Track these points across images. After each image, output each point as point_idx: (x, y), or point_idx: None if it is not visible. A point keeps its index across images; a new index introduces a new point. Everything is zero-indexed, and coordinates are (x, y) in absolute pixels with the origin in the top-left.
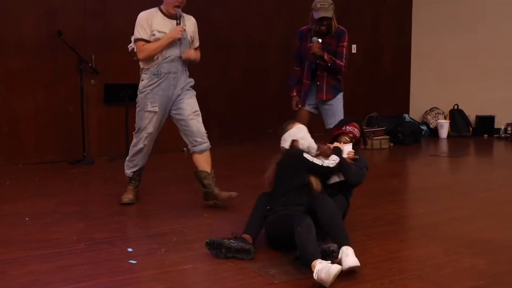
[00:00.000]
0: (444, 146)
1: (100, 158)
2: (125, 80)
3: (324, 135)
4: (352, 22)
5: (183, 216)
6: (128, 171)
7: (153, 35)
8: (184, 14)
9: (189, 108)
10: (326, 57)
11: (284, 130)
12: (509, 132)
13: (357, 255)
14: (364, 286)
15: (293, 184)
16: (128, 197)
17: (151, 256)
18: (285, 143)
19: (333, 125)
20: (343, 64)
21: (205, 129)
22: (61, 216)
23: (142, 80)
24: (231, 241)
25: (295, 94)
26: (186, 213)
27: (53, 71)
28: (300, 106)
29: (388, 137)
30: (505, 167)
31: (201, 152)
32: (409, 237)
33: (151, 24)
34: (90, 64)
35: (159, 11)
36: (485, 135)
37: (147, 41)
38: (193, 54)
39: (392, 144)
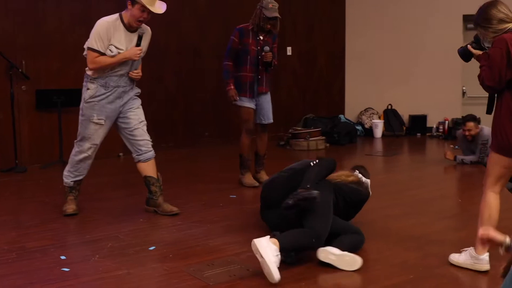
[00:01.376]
0: (378, 145)
1: (33, 165)
2: (57, 86)
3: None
4: (287, 25)
5: (119, 222)
6: (69, 181)
7: (110, 50)
8: (144, 26)
9: (136, 118)
10: (274, 62)
11: None
12: (441, 130)
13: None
14: (300, 285)
15: None
16: (71, 207)
17: (85, 263)
18: None
19: (270, 120)
20: (277, 63)
21: None
22: None
23: (88, 89)
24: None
25: (232, 87)
26: (122, 218)
27: None
28: (237, 98)
29: (324, 137)
30: (436, 165)
31: (146, 160)
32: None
33: (110, 38)
34: (20, 70)
35: (120, 23)
36: (418, 134)
37: (102, 54)
38: (137, 76)
39: (328, 145)
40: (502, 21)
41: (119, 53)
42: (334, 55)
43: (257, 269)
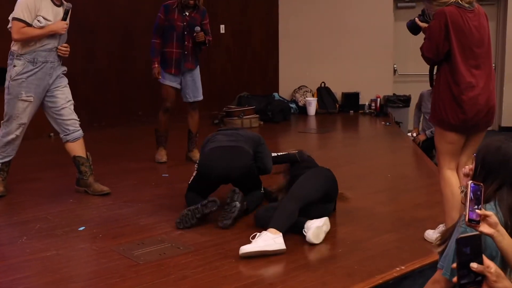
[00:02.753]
0: (312, 122)
1: None
2: None
3: None
4: (220, 3)
5: (48, 203)
6: None
7: (38, 21)
8: (65, 3)
9: (63, 97)
10: (207, 40)
11: None
12: (373, 107)
13: (219, 229)
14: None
15: None
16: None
17: (12, 245)
18: None
19: (197, 98)
20: (211, 38)
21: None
22: None
23: (15, 66)
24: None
25: (156, 65)
26: (51, 199)
27: None
28: (159, 77)
29: (258, 115)
30: (367, 142)
31: (74, 140)
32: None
33: (38, 9)
34: None
35: None
36: (351, 111)
37: (29, 25)
38: (65, 51)
39: (262, 123)
40: None
41: (47, 24)
42: (268, 34)
43: (187, 247)
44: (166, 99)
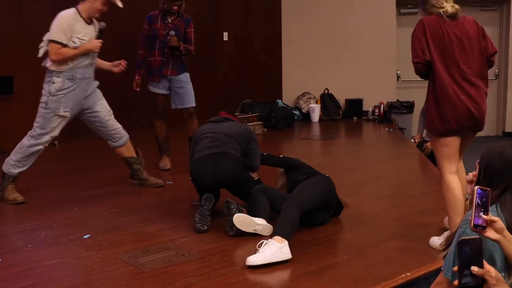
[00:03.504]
0: (315, 129)
1: None
2: None
3: None
4: (223, 10)
5: (53, 211)
6: (15, 171)
7: (73, 41)
8: (99, 22)
9: (104, 110)
10: (181, 47)
11: None
12: (376, 114)
13: (225, 236)
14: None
15: None
16: (19, 196)
17: (17, 253)
18: None
19: (185, 105)
20: (193, 48)
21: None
22: None
23: (54, 83)
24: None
25: (137, 77)
26: (56, 207)
27: None
28: (139, 89)
29: (261, 122)
30: (371, 148)
31: (121, 145)
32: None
33: (73, 30)
34: None
35: (79, 16)
36: (355, 118)
37: (65, 46)
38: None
39: (265, 130)
40: (432, 6)
41: (82, 44)
42: (271, 40)
43: (193, 255)
44: (156, 106)
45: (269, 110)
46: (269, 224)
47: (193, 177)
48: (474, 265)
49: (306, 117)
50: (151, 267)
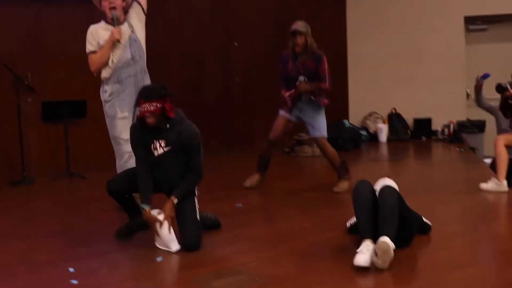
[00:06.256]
0: (384, 150)
1: (41, 177)
2: (63, 97)
3: None
4: (288, 29)
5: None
6: None
7: (99, 44)
8: (130, 10)
9: None
10: (310, 88)
11: None
12: (446, 133)
13: (296, 260)
14: None
15: None
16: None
17: (93, 276)
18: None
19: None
20: (327, 85)
21: None
22: (1, 239)
23: (106, 91)
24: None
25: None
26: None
27: None
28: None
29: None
30: (442, 169)
31: None
32: (351, 242)
33: (97, 35)
34: (26, 82)
35: (105, 23)
36: (423, 137)
37: (95, 52)
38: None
39: None
40: None
41: None
42: (336, 60)
43: (264, 279)
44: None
45: (336, 131)
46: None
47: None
48: None
49: (374, 137)
50: None
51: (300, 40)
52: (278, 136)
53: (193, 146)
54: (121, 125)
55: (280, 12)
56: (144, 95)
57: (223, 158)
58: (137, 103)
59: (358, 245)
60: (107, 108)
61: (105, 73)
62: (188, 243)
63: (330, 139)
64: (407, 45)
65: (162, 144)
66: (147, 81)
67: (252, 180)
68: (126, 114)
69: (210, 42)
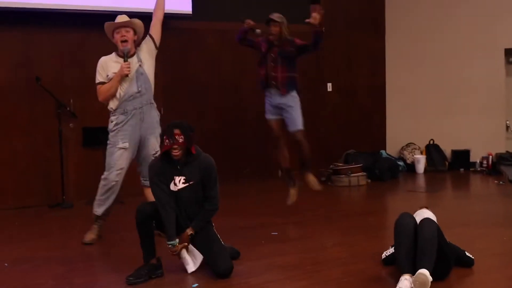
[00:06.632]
0: (421, 181)
1: (79, 201)
2: (102, 123)
3: None
4: (326, 60)
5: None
6: (99, 210)
7: (108, 76)
8: (142, 43)
9: (151, 149)
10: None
11: None
12: (485, 165)
13: None
14: None
15: None
16: (90, 236)
17: None
18: None
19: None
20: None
21: None
22: (40, 261)
23: (112, 122)
24: None
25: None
26: (164, 254)
27: (31, 116)
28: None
29: (365, 173)
30: (480, 201)
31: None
32: (387, 273)
33: (106, 67)
34: (68, 108)
35: (116, 56)
36: (461, 169)
37: (104, 84)
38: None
39: (369, 181)
40: None
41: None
42: (374, 90)
43: None
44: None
45: (373, 161)
46: None
47: None
48: None
49: (411, 168)
50: None
51: (274, 29)
52: (279, 134)
53: (211, 177)
54: (118, 155)
55: None
56: (178, 126)
57: (258, 185)
58: (169, 134)
59: (393, 277)
60: (110, 137)
61: (112, 104)
62: (222, 270)
63: (367, 168)
64: (446, 75)
65: (182, 180)
66: (153, 113)
67: (293, 197)
68: (126, 145)
69: (246, 69)
